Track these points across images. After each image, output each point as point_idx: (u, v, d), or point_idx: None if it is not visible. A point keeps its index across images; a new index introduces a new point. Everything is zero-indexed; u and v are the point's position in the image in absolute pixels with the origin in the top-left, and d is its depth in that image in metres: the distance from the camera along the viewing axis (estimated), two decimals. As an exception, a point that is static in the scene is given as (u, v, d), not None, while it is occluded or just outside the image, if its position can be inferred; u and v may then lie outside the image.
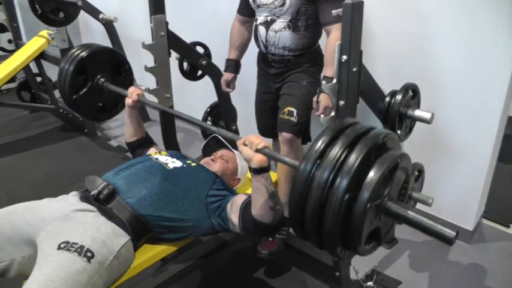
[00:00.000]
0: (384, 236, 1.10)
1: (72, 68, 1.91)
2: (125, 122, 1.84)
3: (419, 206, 2.05)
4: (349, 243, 1.01)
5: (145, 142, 1.88)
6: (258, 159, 1.28)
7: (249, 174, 1.86)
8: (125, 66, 2.10)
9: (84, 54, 1.94)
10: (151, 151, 1.81)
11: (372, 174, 0.94)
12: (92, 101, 2.05)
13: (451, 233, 0.94)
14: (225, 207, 1.49)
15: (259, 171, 1.30)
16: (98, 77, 1.99)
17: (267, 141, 1.30)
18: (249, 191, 1.43)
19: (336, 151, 0.97)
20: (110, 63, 2.04)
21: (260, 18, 1.91)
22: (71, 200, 1.42)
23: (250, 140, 1.29)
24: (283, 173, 1.93)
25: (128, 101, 1.76)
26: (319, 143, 1.01)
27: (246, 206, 1.42)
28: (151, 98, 2.03)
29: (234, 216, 1.45)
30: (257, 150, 1.27)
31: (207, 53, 2.59)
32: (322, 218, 0.97)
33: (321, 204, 0.96)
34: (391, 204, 1.00)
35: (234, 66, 2.18)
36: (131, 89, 1.78)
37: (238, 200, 1.47)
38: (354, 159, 0.94)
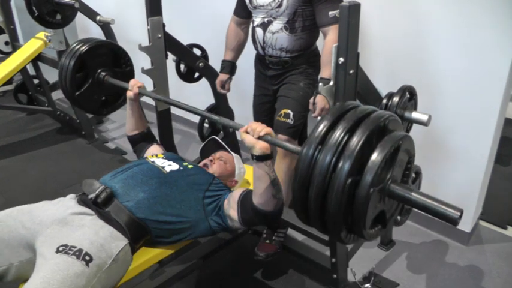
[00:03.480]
0: (390, 219, 1.08)
1: (72, 64, 1.90)
2: (127, 115, 1.83)
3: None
4: (353, 227, 1.00)
5: (147, 137, 1.87)
6: (261, 146, 1.28)
7: (246, 176, 1.87)
8: (124, 57, 2.09)
9: (83, 49, 1.92)
10: (152, 151, 1.80)
11: (374, 157, 0.93)
12: (95, 96, 2.04)
13: (455, 213, 0.93)
14: (222, 205, 1.49)
15: (262, 158, 1.29)
16: (99, 71, 1.98)
17: (269, 129, 1.29)
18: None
19: (337, 135, 0.96)
20: (109, 56, 2.03)
21: (257, 19, 1.91)
22: (69, 203, 1.41)
23: (252, 127, 1.29)
24: (281, 173, 1.93)
25: (130, 93, 1.76)
26: (321, 127, 1.00)
27: (245, 197, 1.43)
28: (149, 100, 2.03)
29: (232, 211, 1.46)
30: (259, 138, 1.27)
31: (204, 55, 2.59)
32: (325, 203, 0.96)
33: (324, 189, 0.95)
34: (395, 187, 0.99)
35: (229, 67, 2.18)
36: (132, 82, 1.78)
37: (235, 194, 1.48)
38: (355, 142, 0.93)
